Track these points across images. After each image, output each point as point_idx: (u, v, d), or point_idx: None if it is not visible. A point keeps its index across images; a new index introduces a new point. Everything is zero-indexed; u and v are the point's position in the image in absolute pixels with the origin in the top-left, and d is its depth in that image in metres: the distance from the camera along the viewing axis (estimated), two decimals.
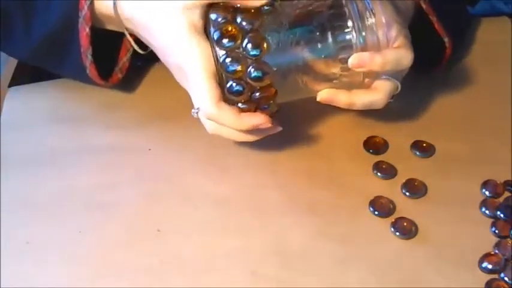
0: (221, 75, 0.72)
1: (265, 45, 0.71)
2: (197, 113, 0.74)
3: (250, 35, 0.71)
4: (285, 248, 0.72)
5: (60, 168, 0.79)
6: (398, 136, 0.83)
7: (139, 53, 0.81)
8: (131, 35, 0.80)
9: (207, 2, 0.73)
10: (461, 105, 0.87)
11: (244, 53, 0.71)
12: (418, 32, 0.79)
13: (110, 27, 0.81)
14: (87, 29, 0.79)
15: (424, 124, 0.85)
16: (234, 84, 0.72)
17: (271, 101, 0.74)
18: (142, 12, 0.76)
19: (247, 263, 0.71)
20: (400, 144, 0.83)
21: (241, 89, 0.72)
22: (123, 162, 0.80)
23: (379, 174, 0.79)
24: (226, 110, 0.72)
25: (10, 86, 0.89)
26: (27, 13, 0.81)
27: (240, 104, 0.73)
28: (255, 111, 0.74)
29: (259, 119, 0.73)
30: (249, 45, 0.71)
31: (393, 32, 0.75)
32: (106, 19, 0.80)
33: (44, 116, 0.85)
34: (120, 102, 0.86)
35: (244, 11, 0.72)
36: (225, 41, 0.71)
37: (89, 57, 0.81)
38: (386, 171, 0.80)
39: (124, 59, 0.84)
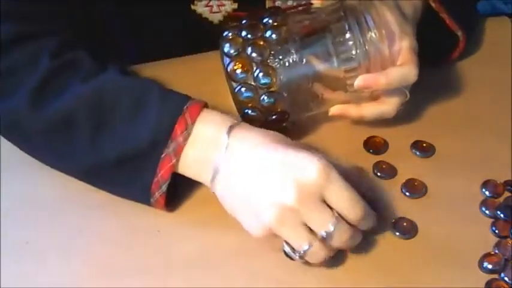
0: (237, 103, 0.76)
1: (275, 75, 0.75)
2: (302, 253, 0.68)
3: (260, 67, 0.75)
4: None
5: None
6: (398, 136, 0.83)
7: (138, 54, 0.81)
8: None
9: None
10: (461, 105, 0.87)
11: (256, 83, 0.75)
12: (430, 27, 0.80)
13: (188, 173, 0.73)
14: (174, 160, 0.71)
15: (424, 124, 0.85)
16: (249, 111, 0.76)
17: (284, 124, 0.78)
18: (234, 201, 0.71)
19: (247, 263, 0.71)
20: (400, 144, 0.83)
21: (255, 114, 0.76)
22: None
23: (379, 174, 0.79)
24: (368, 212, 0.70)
25: None
26: (99, 122, 0.73)
27: (249, 111, 0.76)
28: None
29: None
30: (260, 75, 0.75)
31: (396, 46, 0.76)
32: (193, 164, 0.72)
33: None
34: None
35: (254, 42, 0.75)
36: (238, 72, 0.75)
37: (164, 188, 0.72)
38: (387, 171, 0.80)
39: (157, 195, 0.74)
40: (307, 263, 0.69)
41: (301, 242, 0.68)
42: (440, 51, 0.88)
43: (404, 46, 0.77)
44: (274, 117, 0.77)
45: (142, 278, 0.70)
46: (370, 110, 0.79)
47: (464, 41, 0.87)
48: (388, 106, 0.79)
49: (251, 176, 0.69)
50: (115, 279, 0.70)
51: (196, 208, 0.76)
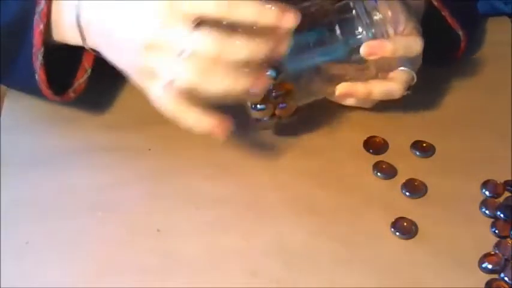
0: None
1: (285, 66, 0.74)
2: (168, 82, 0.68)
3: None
4: (285, 248, 0.72)
5: (60, 168, 0.79)
6: (398, 136, 0.83)
7: None
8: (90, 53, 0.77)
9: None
10: (462, 105, 0.87)
11: None
12: (432, 27, 0.80)
13: (64, 35, 0.76)
14: (41, 26, 0.74)
15: (424, 124, 0.85)
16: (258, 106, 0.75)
17: (289, 98, 0.76)
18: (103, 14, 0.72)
19: (247, 263, 0.71)
20: (400, 144, 0.83)
21: (264, 107, 0.75)
22: (123, 162, 0.80)
23: (379, 174, 0.79)
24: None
25: None
26: None
27: (258, 105, 0.75)
28: (272, 113, 0.76)
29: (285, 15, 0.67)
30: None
31: (401, 26, 0.76)
32: (62, 17, 0.75)
33: (44, 116, 0.85)
34: (120, 102, 0.86)
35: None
36: None
37: (40, 58, 0.75)
38: (386, 171, 0.80)
39: (80, 80, 0.80)
40: None
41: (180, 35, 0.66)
42: (442, 51, 0.88)
43: (409, 26, 0.77)
44: (275, 92, 0.76)
45: (142, 278, 0.70)
46: (378, 86, 0.77)
47: (466, 40, 0.87)
48: (396, 84, 0.77)
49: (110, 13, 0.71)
50: (115, 279, 0.70)
51: (196, 208, 0.76)
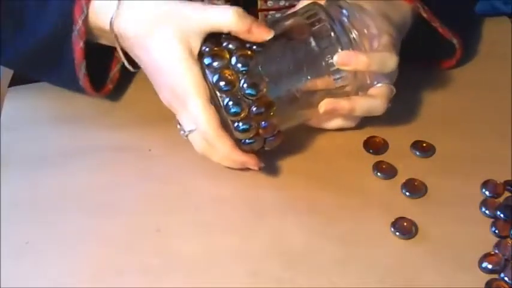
0: (225, 118, 0.74)
1: (263, 83, 0.73)
2: (187, 135, 0.76)
3: (245, 76, 0.73)
4: (285, 248, 0.72)
5: (60, 168, 0.79)
6: (398, 136, 0.83)
7: None
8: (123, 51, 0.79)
9: (206, 32, 0.74)
10: (462, 105, 0.87)
11: (242, 93, 0.73)
12: (426, 35, 0.80)
13: (103, 41, 0.81)
14: (82, 44, 0.79)
15: (424, 124, 0.85)
16: (240, 124, 0.74)
17: (271, 115, 0.75)
18: (138, 30, 0.76)
19: (247, 263, 0.71)
20: (400, 144, 0.83)
21: (248, 127, 0.74)
22: (123, 162, 0.80)
23: (379, 174, 0.79)
24: (224, 138, 0.74)
25: (10, 86, 0.89)
26: (16, 16, 0.80)
27: (247, 140, 0.75)
28: (257, 131, 0.75)
29: (249, 160, 0.76)
30: (245, 85, 0.73)
31: (375, 43, 0.76)
32: (100, 34, 0.79)
33: (44, 116, 0.85)
34: (121, 102, 0.86)
35: (238, 51, 0.74)
36: (222, 84, 0.73)
37: (83, 69, 0.80)
38: (387, 171, 0.80)
39: (115, 69, 0.84)
40: None
41: (187, 122, 0.75)
42: (439, 59, 0.88)
43: (383, 41, 0.77)
44: (268, 135, 0.76)
45: (142, 278, 0.70)
46: (360, 102, 0.77)
47: (461, 48, 0.87)
48: (377, 100, 0.77)
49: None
50: (115, 279, 0.70)
51: (196, 208, 0.76)
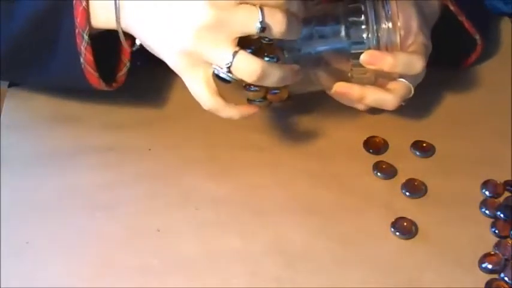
0: None
1: (283, 55, 0.73)
2: (230, 65, 0.69)
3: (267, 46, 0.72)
4: (285, 248, 0.72)
5: (60, 168, 0.79)
6: (398, 136, 0.83)
7: (139, 53, 0.81)
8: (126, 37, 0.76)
9: None
10: (461, 105, 0.87)
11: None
12: (447, 30, 0.80)
13: (103, 18, 0.74)
14: (84, 3, 0.73)
15: (424, 124, 0.85)
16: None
17: (286, 94, 0.75)
18: None
19: (247, 263, 0.71)
20: (400, 144, 0.83)
21: (258, 89, 0.74)
22: (123, 162, 0.80)
23: (379, 174, 0.79)
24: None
25: (10, 86, 0.89)
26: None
27: (251, 86, 0.74)
28: (264, 96, 0.75)
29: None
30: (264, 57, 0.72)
31: (410, 39, 0.76)
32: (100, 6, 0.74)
33: (44, 116, 0.85)
34: (120, 102, 0.86)
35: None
36: None
37: (86, 37, 0.73)
38: (387, 171, 0.80)
39: (121, 73, 0.80)
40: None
41: (223, 54, 0.68)
42: (458, 55, 0.88)
43: (417, 41, 0.77)
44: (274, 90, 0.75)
45: (142, 278, 0.70)
46: (373, 93, 0.76)
47: (482, 44, 0.87)
48: (392, 96, 0.76)
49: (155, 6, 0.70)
50: (115, 279, 0.70)
51: (196, 208, 0.76)
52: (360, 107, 0.80)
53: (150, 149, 0.82)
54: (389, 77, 0.77)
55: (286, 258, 0.71)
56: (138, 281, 0.70)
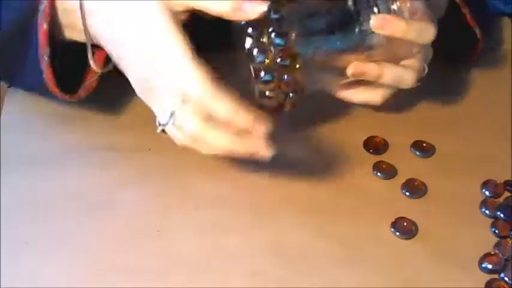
0: (249, 68, 0.72)
1: (292, 34, 0.71)
2: (165, 125, 0.70)
3: (275, 24, 0.71)
4: (285, 248, 0.72)
5: (60, 168, 0.79)
6: (398, 136, 0.83)
7: None
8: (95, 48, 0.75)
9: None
10: (462, 105, 0.87)
11: (270, 42, 0.71)
12: (449, 24, 0.80)
13: (68, 33, 0.75)
14: (45, 26, 0.73)
15: (424, 124, 0.85)
16: (262, 74, 0.72)
17: (295, 69, 0.73)
18: (110, 3, 0.71)
19: (247, 263, 0.71)
20: (400, 144, 0.83)
21: (270, 78, 0.72)
22: (123, 162, 0.80)
23: (379, 174, 0.79)
24: (224, 96, 0.68)
25: (10, 86, 0.89)
26: None
27: (267, 92, 0.73)
28: (282, 102, 0.74)
29: (257, 123, 0.69)
30: (274, 34, 0.71)
31: (417, 16, 0.74)
32: (66, 19, 0.75)
33: (44, 116, 0.85)
34: (121, 102, 0.86)
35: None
36: (250, 30, 0.71)
37: (46, 58, 0.74)
38: (387, 171, 0.80)
39: (91, 79, 0.79)
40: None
41: (165, 107, 0.69)
42: (459, 51, 0.88)
43: (425, 16, 0.75)
44: (290, 90, 0.74)
45: (142, 278, 0.70)
46: (390, 70, 0.74)
47: (483, 40, 0.87)
48: (408, 71, 0.75)
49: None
50: (115, 279, 0.70)
51: (196, 208, 0.76)
52: (376, 96, 0.77)
53: (150, 149, 0.82)
54: (398, 61, 0.75)
55: (286, 258, 0.71)
56: (138, 281, 0.70)
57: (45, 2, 0.73)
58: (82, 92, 0.79)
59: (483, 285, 0.70)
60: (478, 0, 0.89)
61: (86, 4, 0.72)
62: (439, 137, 0.83)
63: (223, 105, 0.68)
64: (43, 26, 0.73)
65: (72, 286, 0.69)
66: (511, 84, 0.90)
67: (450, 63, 0.88)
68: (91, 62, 0.75)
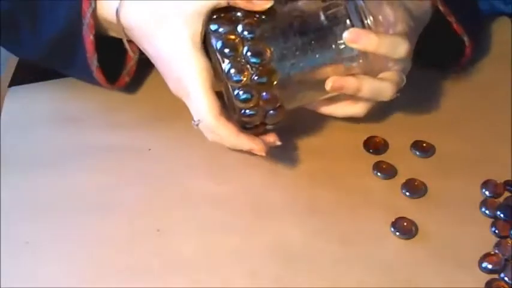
0: (226, 85, 0.73)
1: (268, 52, 0.72)
2: (197, 124, 0.75)
3: (250, 43, 0.72)
4: (285, 248, 0.72)
5: (61, 168, 0.79)
6: (398, 136, 0.83)
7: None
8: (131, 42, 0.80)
9: (209, 8, 0.73)
10: (462, 105, 0.87)
11: (246, 61, 0.72)
12: (438, 32, 0.80)
13: (113, 34, 0.81)
14: (91, 37, 0.79)
15: (424, 124, 0.85)
16: (241, 93, 0.73)
17: (277, 105, 0.74)
18: (142, 22, 0.76)
19: (247, 263, 0.71)
20: (400, 144, 0.83)
21: (249, 96, 0.73)
22: (123, 162, 0.80)
23: (379, 174, 0.79)
24: (227, 125, 0.74)
25: (10, 86, 0.89)
26: (32, 14, 0.81)
27: (247, 111, 0.74)
28: (263, 120, 0.75)
29: (255, 145, 0.75)
30: (249, 53, 0.72)
31: (391, 31, 0.75)
32: (108, 26, 0.80)
33: (44, 116, 0.85)
34: (121, 102, 0.86)
35: (246, 19, 0.73)
36: (226, 50, 0.72)
37: (95, 63, 0.81)
38: (387, 171, 0.80)
39: (132, 62, 0.84)
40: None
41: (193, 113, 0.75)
42: (447, 57, 0.87)
43: (398, 29, 0.75)
44: (269, 107, 0.74)
45: (142, 278, 0.70)
46: (368, 82, 0.74)
47: (471, 46, 0.86)
48: (386, 83, 0.75)
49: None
50: (115, 279, 0.70)
51: (196, 208, 0.76)
52: (357, 111, 0.78)
53: (150, 149, 0.82)
54: (376, 74, 0.75)
55: (286, 258, 0.71)
56: (138, 281, 0.70)
57: (88, 15, 0.79)
58: (126, 77, 0.85)
59: (483, 285, 0.70)
60: (469, 5, 0.89)
61: (122, 19, 0.77)
62: (439, 137, 0.83)
63: (226, 131, 0.74)
64: (89, 37, 0.80)
65: (72, 286, 0.69)
66: (511, 84, 0.89)
67: (440, 70, 0.87)
68: (127, 47, 0.81)
